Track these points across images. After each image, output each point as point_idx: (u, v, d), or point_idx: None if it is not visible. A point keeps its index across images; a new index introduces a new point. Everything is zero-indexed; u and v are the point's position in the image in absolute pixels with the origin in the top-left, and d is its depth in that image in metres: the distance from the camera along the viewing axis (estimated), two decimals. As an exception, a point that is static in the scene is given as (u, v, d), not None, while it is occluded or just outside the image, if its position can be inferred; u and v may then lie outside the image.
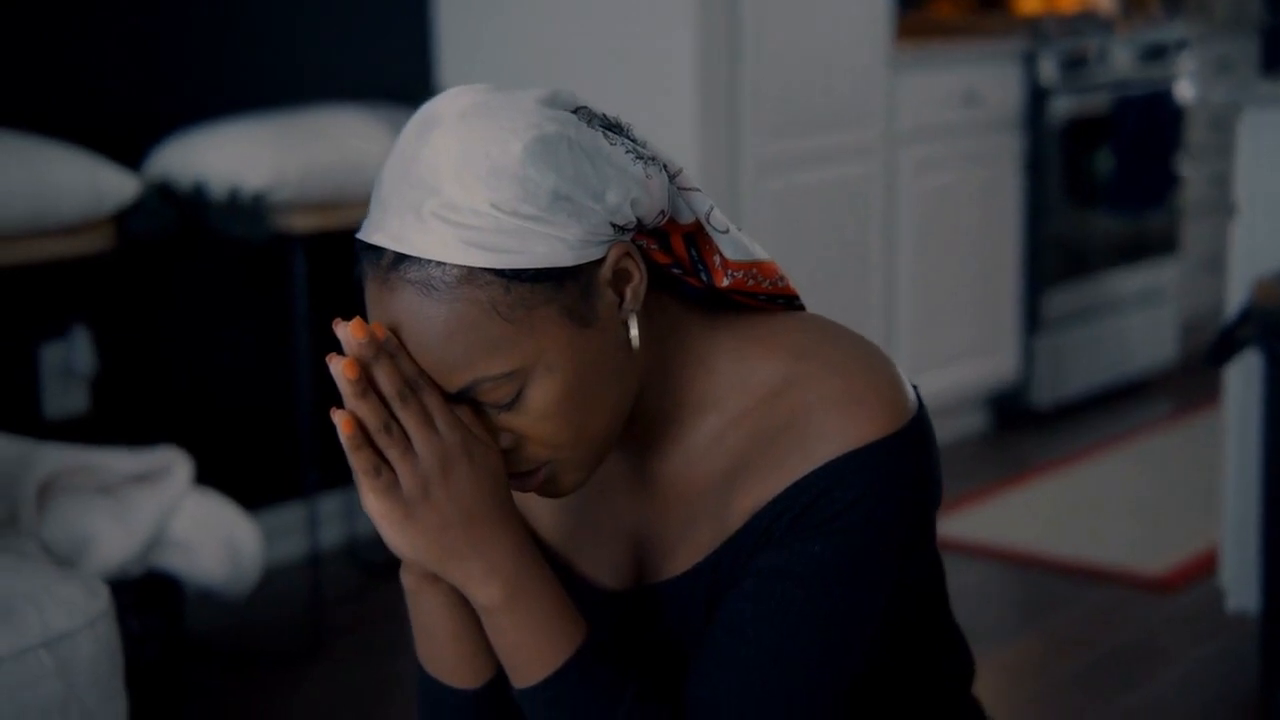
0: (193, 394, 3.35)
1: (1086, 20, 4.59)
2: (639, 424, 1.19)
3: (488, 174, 1.07)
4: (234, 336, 3.42)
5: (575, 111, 1.13)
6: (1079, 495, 3.91)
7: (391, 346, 1.09)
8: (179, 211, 2.94)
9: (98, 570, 2.28)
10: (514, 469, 1.14)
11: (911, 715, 1.27)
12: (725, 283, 1.19)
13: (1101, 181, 4.51)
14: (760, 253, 1.21)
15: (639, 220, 1.12)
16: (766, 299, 1.23)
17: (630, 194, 1.11)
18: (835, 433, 1.14)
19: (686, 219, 1.18)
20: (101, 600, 2.04)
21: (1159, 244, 4.78)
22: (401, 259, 1.08)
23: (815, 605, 1.14)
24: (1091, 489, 3.96)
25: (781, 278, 1.23)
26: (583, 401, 1.12)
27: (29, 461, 2.32)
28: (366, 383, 1.09)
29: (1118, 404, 4.65)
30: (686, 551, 1.21)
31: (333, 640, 3.11)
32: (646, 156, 1.13)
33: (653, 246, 1.18)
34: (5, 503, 2.26)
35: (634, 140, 1.15)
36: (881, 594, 1.15)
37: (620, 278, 1.12)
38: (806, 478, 1.14)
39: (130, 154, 3.06)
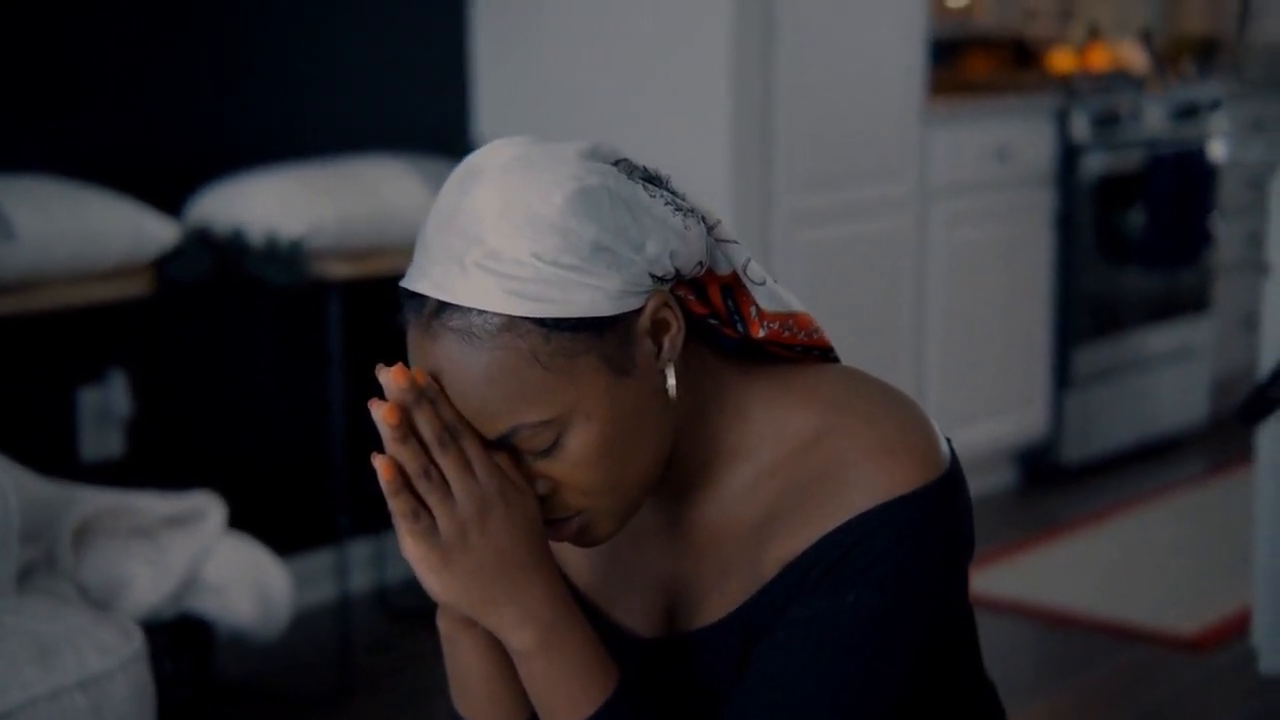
0: (227, 439, 3.38)
1: (1119, 78, 4.61)
2: (673, 472, 1.20)
3: (529, 224, 1.08)
4: (268, 382, 3.45)
5: (616, 164, 1.15)
6: (1108, 553, 3.89)
7: (432, 392, 1.10)
8: (217, 257, 2.97)
9: (131, 612, 2.29)
10: (550, 516, 1.15)
11: (943, 768, 1.27)
12: (761, 334, 1.21)
13: (1133, 239, 4.51)
14: (796, 304, 1.23)
15: (677, 271, 1.14)
16: (801, 350, 1.24)
17: (669, 245, 1.12)
18: (869, 484, 1.15)
19: (724, 270, 1.19)
20: (136, 642, 2.06)
21: (1191, 302, 4.78)
22: (444, 307, 1.10)
23: (848, 655, 1.14)
24: (1121, 547, 3.94)
25: (816, 329, 1.24)
26: (620, 450, 1.13)
27: (66, 504, 2.34)
28: (407, 428, 1.10)
29: (1148, 462, 4.64)
30: (719, 601, 1.21)
31: (361, 686, 3.11)
32: (685, 209, 1.15)
33: (690, 297, 1.20)
34: (42, 544, 2.28)
35: (673, 192, 1.16)
36: (914, 645, 1.16)
37: (658, 328, 1.14)
38: (840, 528, 1.15)
39: (171, 201, 3.10)
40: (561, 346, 1.09)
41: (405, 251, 3.09)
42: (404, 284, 1.14)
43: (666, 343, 1.14)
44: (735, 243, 1.19)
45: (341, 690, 3.08)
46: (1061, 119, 4.31)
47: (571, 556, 1.28)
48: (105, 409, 3.16)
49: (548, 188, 1.09)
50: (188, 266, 2.91)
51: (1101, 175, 4.39)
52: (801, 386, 1.21)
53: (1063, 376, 4.40)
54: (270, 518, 3.29)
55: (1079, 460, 4.45)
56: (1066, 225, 4.35)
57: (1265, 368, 2.92)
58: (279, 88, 3.43)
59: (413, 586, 3.64)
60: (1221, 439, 4.84)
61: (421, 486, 1.11)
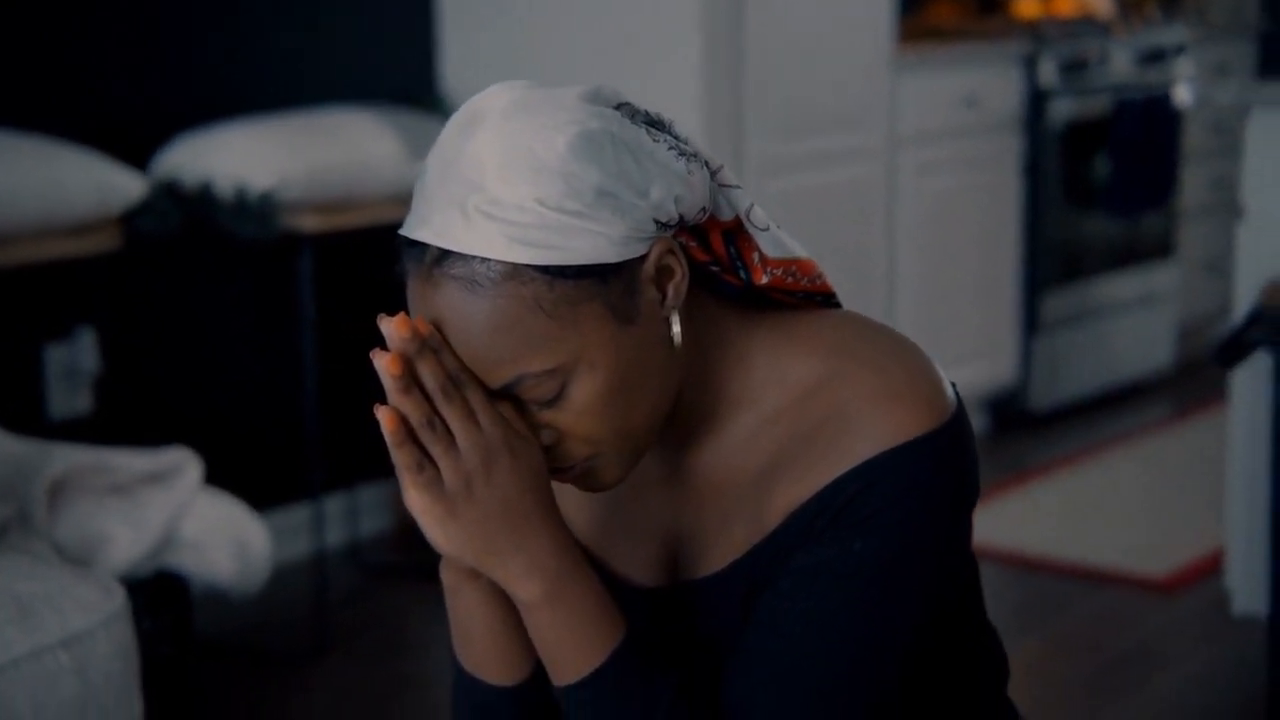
0: (198, 395, 3.35)
1: (1085, 24, 4.60)
2: (675, 420, 1.19)
3: (532, 170, 1.07)
4: (240, 337, 3.42)
5: (618, 108, 1.13)
6: (1078, 498, 3.92)
7: (435, 342, 1.09)
8: (186, 211, 2.93)
9: (109, 570, 2.27)
10: (554, 465, 1.14)
11: (947, 715, 1.27)
12: (764, 280, 1.19)
13: (1100, 185, 4.52)
14: (799, 250, 1.21)
15: (681, 217, 1.13)
16: (804, 296, 1.23)
17: (673, 190, 1.11)
18: (874, 430, 1.14)
19: (726, 216, 1.18)
20: (117, 600, 2.04)
21: (1156, 247, 4.79)
22: (445, 255, 1.08)
23: (856, 603, 1.13)
24: (1090, 491, 3.97)
25: (819, 275, 1.23)
26: (624, 398, 1.12)
27: (39, 461, 2.31)
28: (410, 379, 1.08)
29: (1115, 407, 4.66)
30: (722, 549, 1.20)
31: (337, 641, 3.10)
32: (689, 153, 1.13)
33: (692, 244, 1.18)
34: (15, 503, 2.25)
35: (676, 137, 1.15)
36: (923, 591, 1.15)
37: (663, 274, 1.12)
38: (846, 475, 1.14)
39: (137, 155, 3.06)
40: (565, 294, 1.08)
41: (377, 204, 3.07)
42: (403, 232, 1.12)
43: (671, 290, 1.13)
44: (738, 188, 1.18)
45: (318, 646, 3.07)
46: (1029, 65, 4.31)
47: (571, 506, 1.27)
48: (73, 366, 3.13)
49: (549, 133, 1.08)
50: (156, 221, 2.88)
51: (1069, 121, 4.39)
52: (805, 333, 1.19)
53: (1031, 323, 4.41)
54: (243, 474, 3.27)
55: (1048, 406, 4.47)
56: (1035, 172, 4.35)
57: (1239, 311, 2.93)
58: (245, 40, 3.38)
59: (386, 541, 3.63)
60: (1188, 383, 4.87)
61: (425, 437, 1.09)
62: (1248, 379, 2.98)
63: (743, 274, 1.20)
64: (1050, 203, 4.38)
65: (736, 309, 1.21)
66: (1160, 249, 4.81)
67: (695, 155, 1.14)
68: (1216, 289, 5.12)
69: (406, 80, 3.67)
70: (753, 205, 1.19)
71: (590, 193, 1.07)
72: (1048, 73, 4.32)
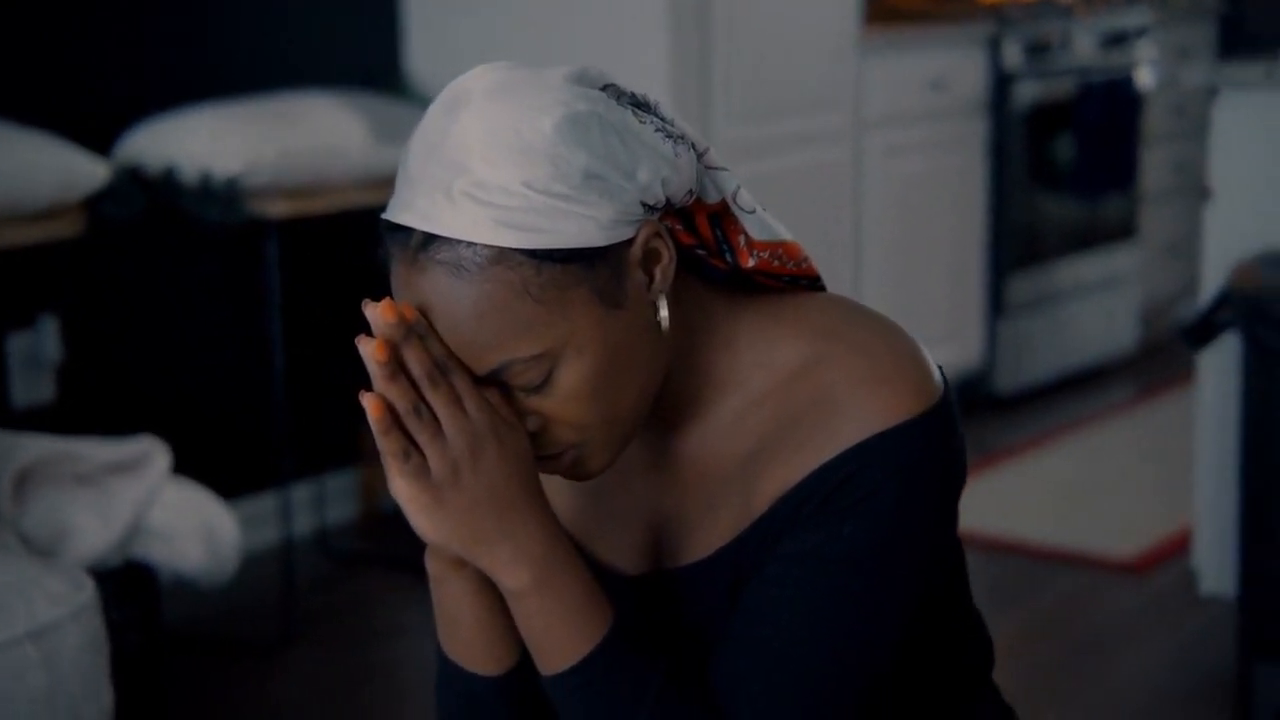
0: (163, 382, 3.32)
1: (1048, 6, 4.60)
2: (661, 405, 1.18)
3: (519, 152, 1.05)
4: (206, 324, 3.38)
5: (604, 89, 1.11)
6: (1043, 480, 3.93)
7: (421, 328, 1.07)
8: (150, 196, 2.90)
9: (77, 561, 2.24)
10: (541, 452, 1.13)
11: (934, 701, 1.26)
12: (750, 263, 1.18)
13: (1064, 167, 4.53)
14: (785, 233, 1.20)
15: (668, 200, 1.11)
16: (790, 280, 1.22)
17: (661, 173, 1.09)
18: (862, 413, 1.13)
19: (712, 199, 1.17)
20: (86, 591, 2.01)
21: (1119, 230, 4.81)
22: (431, 239, 1.06)
23: (845, 589, 1.13)
24: (1057, 473, 3.98)
25: (805, 258, 1.22)
26: (612, 383, 1.10)
27: (4, 452, 2.28)
28: (396, 365, 1.07)
29: (1080, 389, 4.68)
30: (708, 536, 1.19)
31: (305, 629, 3.08)
32: (675, 134, 1.12)
33: (677, 227, 1.17)
34: (-20, 493, 2.22)
35: (662, 118, 1.13)
36: (912, 577, 1.14)
37: (650, 258, 1.11)
38: (834, 460, 1.13)
39: (100, 140, 3.02)
40: (553, 278, 1.06)
41: (345, 189, 3.04)
42: (387, 216, 1.10)
43: (658, 273, 1.11)
44: (725, 170, 1.17)
45: (286, 634, 3.05)
46: (993, 48, 4.31)
47: (555, 494, 1.25)
48: (35, 354, 3.09)
49: (536, 114, 1.06)
50: (119, 206, 2.84)
51: (1033, 104, 4.39)
52: (791, 316, 1.18)
53: (997, 305, 4.42)
54: (210, 462, 3.24)
55: (1013, 388, 4.48)
56: (1000, 155, 4.35)
57: (1206, 293, 2.94)
58: (208, 24, 3.34)
59: (353, 529, 3.61)
60: (1151, 365, 4.89)
61: (412, 425, 1.07)
62: (1215, 360, 2.99)
63: (729, 257, 1.18)
64: (1015, 185, 4.39)
65: (722, 293, 1.20)
66: (1122, 231, 4.83)
67: (682, 137, 1.13)
68: (1178, 271, 5.15)
69: (372, 64, 3.64)
70: (739, 187, 1.17)
71: (578, 175, 1.06)
72: (1012, 55, 4.32)
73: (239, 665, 2.96)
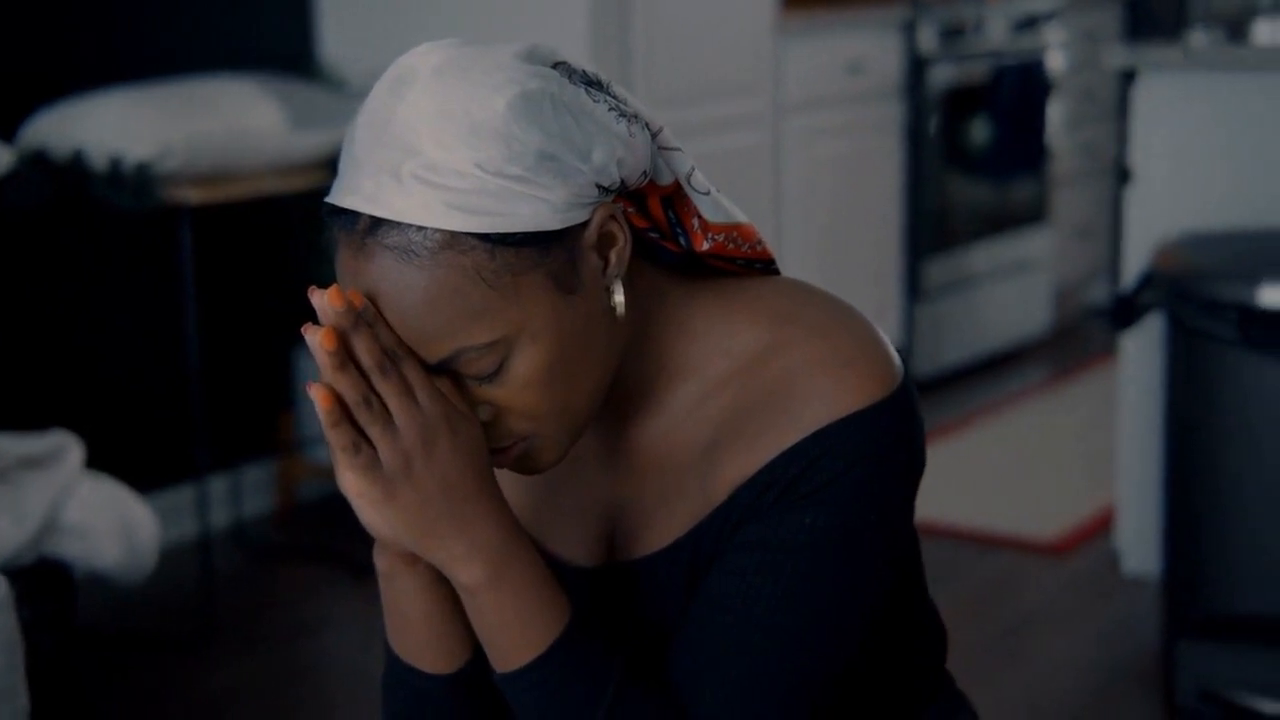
0: (75, 374, 3.23)
1: (962, -10, 4.62)
2: (615, 393, 1.15)
3: (471, 133, 1.01)
4: (118, 313, 3.30)
5: (555, 66, 1.08)
6: (964, 463, 3.94)
7: (370, 316, 1.03)
8: (57, 182, 2.82)
9: (-10, 559, 2.17)
10: (493, 444, 1.09)
11: (889, 690, 1.25)
12: (705, 246, 1.15)
13: (978, 151, 4.55)
14: (739, 215, 1.17)
15: (623, 181, 1.08)
16: (744, 263, 1.19)
17: (615, 153, 1.06)
18: (823, 399, 1.10)
19: (665, 180, 1.13)
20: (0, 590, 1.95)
21: (1030, 213, 4.84)
22: (379, 224, 1.02)
23: (808, 578, 1.10)
24: (976, 457, 3.99)
25: (759, 241, 1.19)
26: (566, 371, 1.07)
27: (-89, 447, 2.20)
28: (345, 354, 1.03)
29: (996, 372, 4.71)
30: (665, 526, 1.16)
31: (224, 625, 3.02)
32: (629, 114, 1.09)
33: (630, 210, 1.14)
34: (-114, 491, 2.15)
35: (615, 96, 1.10)
36: (877, 565, 1.12)
37: (605, 241, 1.08)
38: (795, 447, 1.10)
39: (3, 124, 2.93)
40: (506, 263, 1.03)
41: (260, 175, 2.97)
42: (330, 199, 1.06)
43: (613, 257, 1.08)
44: (679, 150, 1.14)
45: (205, 630, 2.99)
46: (909, 31, 4.31)
47: (506, 485, 1.21)
48: (-61, 346, 3.00)
49: (487, 93, 1.02)
50: (24, 192, 2.76)
51: (948, 88, 4.40)
52: (747, 300, 1.16)
53: (914, 289, 4.43)
54: (123, 454, 3.16)
55: (932, 373, 4.49)
56: (916, 139, 4.36)
57: (1130, 274, 2.95)
58: (115, 5, 3.25)
59: (270, 521, 3.54)
60: (1065, 346, 4.94)
61: (362, 417, 1.03)
62: (1137, 341, 3.01)
63: (683, 240, 1.15)
64: (931, 169, 4.40)
65: (677, 277, 1.17)
66: (1034, 215, 4.86)
67: (636, 116, 1.09)
68: (1089, 253, 5.19)
69: (284, 46, 3.56)
70: (694, 169, 1.14)
71: (531, 156, 1.02)
72: (927, 39, 4.33)
73: (158, 663, 2.90)
